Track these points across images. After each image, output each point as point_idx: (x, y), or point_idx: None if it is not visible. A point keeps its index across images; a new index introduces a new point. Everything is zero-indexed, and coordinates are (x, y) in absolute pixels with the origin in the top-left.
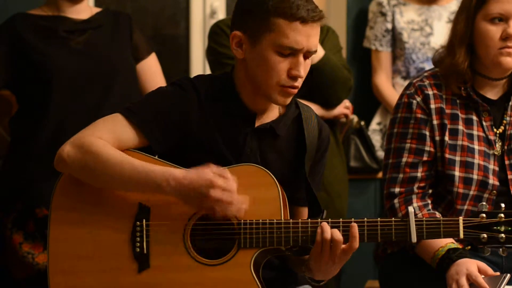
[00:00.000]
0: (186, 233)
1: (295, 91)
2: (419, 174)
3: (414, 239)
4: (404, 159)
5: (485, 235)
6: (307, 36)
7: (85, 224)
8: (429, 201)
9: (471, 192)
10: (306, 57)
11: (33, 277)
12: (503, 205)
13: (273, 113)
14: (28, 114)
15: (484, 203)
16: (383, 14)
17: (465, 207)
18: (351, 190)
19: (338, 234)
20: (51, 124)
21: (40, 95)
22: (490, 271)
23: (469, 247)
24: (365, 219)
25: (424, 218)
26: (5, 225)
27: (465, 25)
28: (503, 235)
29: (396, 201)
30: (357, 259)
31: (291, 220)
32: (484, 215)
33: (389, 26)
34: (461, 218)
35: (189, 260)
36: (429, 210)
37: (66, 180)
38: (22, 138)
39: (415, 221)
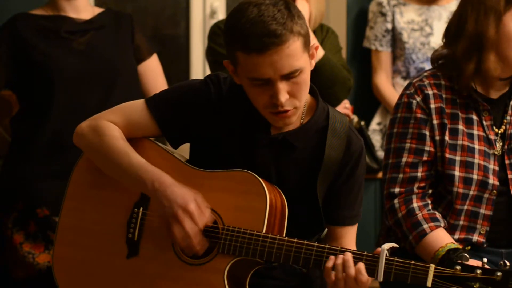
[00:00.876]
0: None
1: (289, 113)
2: (419, 174)
3: (380, 278)
4: (404, 159)
5: None
6: (270, 65)
7: (96, 203)
8: (429, 201)
9: (471, 192)
10: (289, 77)
11: (33, 277)
12: (485, 259)
13: (294, 122)
14: (29, 114)
15: (465, 254)
16: (383, 14)
17: (465, 207)
18: None
19: (351, 270)
20: (52, 124)
21: (41, 95)
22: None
23: (469, 247)
24: (339, 247)
25: (395, 259)
26: (6, 225)
27: (495, 27)
28: None
29: (396, 201)
30: None
31: (269, 235)
32: (459, 267)
33: (389, 26)
34: (432, 265)
35: (172, 255)
36: (429, 210)
37: (87, 157)
38: (22, 138)
39: (386, 260)
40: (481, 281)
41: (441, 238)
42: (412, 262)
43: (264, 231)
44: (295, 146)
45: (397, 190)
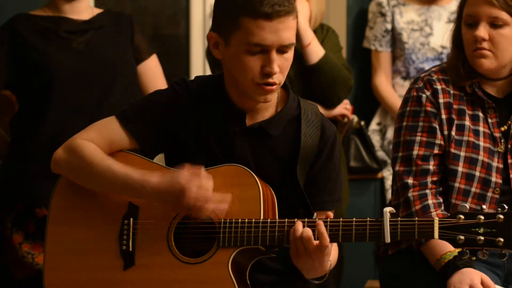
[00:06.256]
0: (170, 232)
1: (274, 87)
2: (431, 167)
3: (387, 239)
4: (415, 152)
5: (461, 237)
6: (275, 32)
7: (80, 223)
8: (441, 200)
9: (473, 189)
10: (282, 51)
11: (33, 277)
12: (484, 206)
13: (267, 112)
14: (29, 114)
15: (465, 204)
16: (383, 15)
17: (467, 204)
18: (351, 190)
19: (308, 232)
20: (51, 124)
21: (41, 95)
22: (492, 285)
23: (474, 258)
24: (340, 219)
25: (399, 219)
26: (5, 225)
27: (456, 27)
28: (481, 237)
29: (410, 194)
30: (357, 259)
31: (268, 219)
32: (462, 216)
33: (389, 26)
34: (436, 218)
35: (171, 258)
36: (442, 210)
37: (65, 181)
38: (22, 138)
39: (390, 221)
40: (485, 226)
41: None
42: (416, 218)
43: (262, 217)
44: (271, 135)
45: (410, 181)
